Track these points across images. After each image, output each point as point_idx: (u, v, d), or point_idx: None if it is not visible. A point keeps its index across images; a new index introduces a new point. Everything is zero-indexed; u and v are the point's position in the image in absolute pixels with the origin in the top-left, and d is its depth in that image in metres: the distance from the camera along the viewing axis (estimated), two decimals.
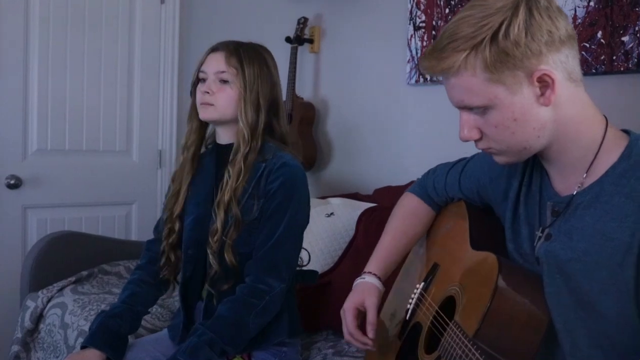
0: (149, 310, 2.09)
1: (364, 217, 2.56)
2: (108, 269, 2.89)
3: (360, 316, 1.67)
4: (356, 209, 2.68)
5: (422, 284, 1.68)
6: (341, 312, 1.68)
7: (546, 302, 1.34)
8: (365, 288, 1.68)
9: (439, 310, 1.52)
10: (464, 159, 1.75)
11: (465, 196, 1.69)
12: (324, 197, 2.98)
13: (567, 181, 1.33)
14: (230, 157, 1.93)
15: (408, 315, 1.68)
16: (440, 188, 1.76)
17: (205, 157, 2.07)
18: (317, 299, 2.43)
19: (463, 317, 1.39)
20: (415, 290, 1.70)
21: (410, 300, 1.69)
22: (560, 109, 1.27)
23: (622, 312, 1.24)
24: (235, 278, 1.93)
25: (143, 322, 2.25)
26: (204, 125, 2.06)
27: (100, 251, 3.07)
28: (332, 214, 2.74)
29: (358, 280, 1.71)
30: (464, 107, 1.30)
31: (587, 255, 1.26)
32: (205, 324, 1.85)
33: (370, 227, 2.49)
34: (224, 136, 2.02)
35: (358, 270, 2.31)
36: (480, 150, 1.66)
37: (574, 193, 1.31)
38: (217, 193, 1.96)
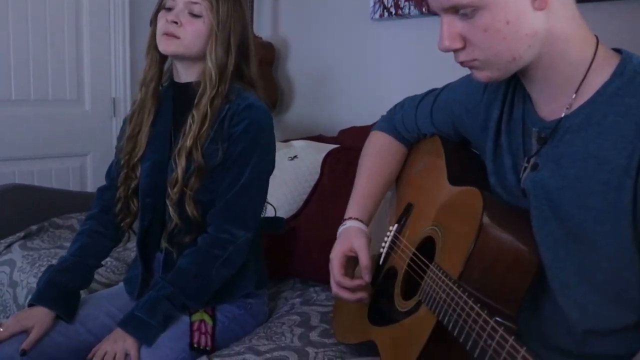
0: (103, 263, 1.95)
1: (329, 158, 2.44)
2: (60, 223, 2.72)
3: (350, 264, 1.55)
4: (321, 151, 2.57)
5: (395, 226, 1.56)
6: (329, 264, 1.56)
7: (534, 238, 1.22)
8: (350, 233, 1.56)
9: (417, 253, 1.40)
10: (434, 90, 1.62)
11: (439, 130, 1.57)
12: (286, 141, 2.86)
13: (553, 104, 1.22)
14: (196, 101, 1.79)
15: (381, 261, 1.56)
16: (410, 123, 1.63)
17: (161, 97, 1.91)
18: (282, 246, 2.33)
19: (444, 259, 1.28)
20: (388, 233, 1.58)
21: (382, 245, 1.57)
22: (554, 17, 1.15)
23: (618, 242, 1.14)
24: (197, 231, 1.81)
25: (97, 276, 2.13)
26: (163, 59, 1.89)
27: (52, 204, 2.89)
28: (295, 157, 2.63)
29: (340, 229, 1.60)
30: (450, 8, 1.17)
31: (579, 182, 1.16)
32: (165, 277, 1.74)
33: (336, 169, 2.38)
34: (185, 74, 1.86)
35: (325, 213, 2.28)
36: (451, 81, 1.56)
37: (562, 116, 1.19)
38: (175, 137, 1.82)
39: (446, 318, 1.17)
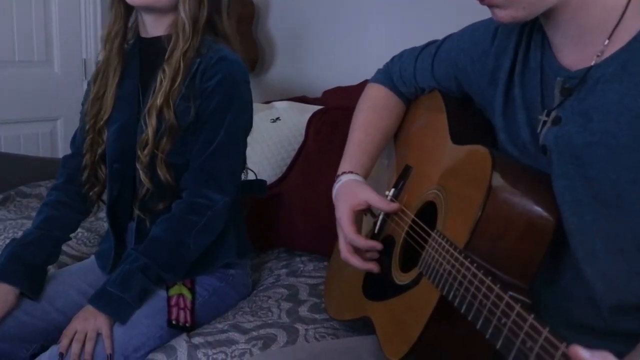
0: (71, 235, 1.81)
1: (314, 119, 2.32)
2: (27, 191, 2.55)
3: (358, 222, 1.41)
4: (304, 113, 2.46)
5: (392, 190, 1.43)
6: (337, 223, 1.40)
7: (553, 201, 1.09)
8: (350, 187, 1.41)
9: (416, 220, 1.27)
10: (435, 41, 1.48)
11: (439, 84, 1.43)
12: (267, 102, 2.74)
13: (580, 52, 1.08)
14: (167, 55, 1.64)
15: (377, 229, 1.42)
16: (409, 76, 1.49)
17: (126, 54, 1.76)
18: (265, 214, 2.20)
19: (448, 226, 1.15)
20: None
21: (377, 212, 1.43)
22: None
23: None
24: (172, 196, 1.67)
25: (67, 249, 2.01)
26: (128, 12, 1.74)
27: (19, 172, 2.72)
28: (277, 119, 2.51)
29: (336, 186, 1.45)
30: None
31: (612, 138, 1.02)
32: (138, 249, 1.61)
33: (321, 131, 2.25)
34: (153, 28, 1.71)
35: (310, 178, 2.16)
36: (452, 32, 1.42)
37: (591, 65, 1.06)
38: (144, 97, 1.68)
39: (451, 293, 1.04)
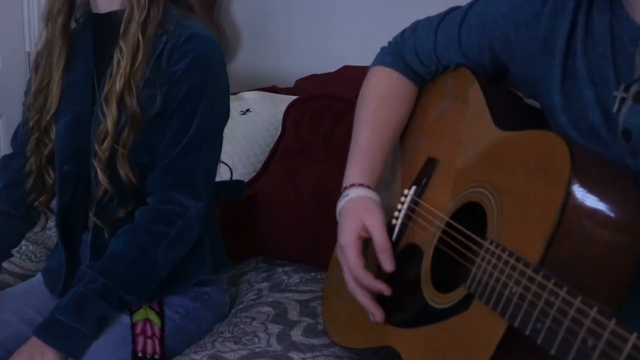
0: (13, 252, 1.55)
1: (292, 110, 2.07)
2: None
3: (366, 250, 1.17)
4: (277, 103, 2.23)
5: (413, 188, 1.17)
6: (336, 252, 1.19)
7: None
8: (358, 206, 1.17)
9: (456, 225, 1.01)
10: (457, 7, 1.23)
11: (468, 58, 1.18)
12: (235, 93, 2.47)
13: None
14: (122, 28, 1.39)
15: (394, 236, 1.16)
16: (427, 52, 1.24)
17: (76, 34, 1.50)
18: (240, 217, 1.94)
19: (507, 234, 0.90)
20: (402, 199, 1.18)
21: (396, 214, 1.17)
22: None
23: None
24: (135, 201, 1.42)
25: (8, 266, 1.75)
26: None
27: None
28: (248, 110, 2.28)
29: (342, 202, 1.20)
30: None
31: None
32: (94, 267, 1.35)
33: (302, 123, 2.00)
34: (105, 1, 1.45)
35: (291, 177, 1.91)
36: None
37: None
38: (100, 82, 1.43)
39: (528, 322, 0.79)
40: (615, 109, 0.92)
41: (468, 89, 1.16)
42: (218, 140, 1.49)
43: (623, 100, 0.91)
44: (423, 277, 1.05)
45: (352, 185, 1.19)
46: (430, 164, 1.17)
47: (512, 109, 1.11)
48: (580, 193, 0.82)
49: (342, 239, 1.15)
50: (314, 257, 1.76)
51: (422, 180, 1.16)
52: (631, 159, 0.91)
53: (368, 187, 1.18)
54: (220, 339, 1.40)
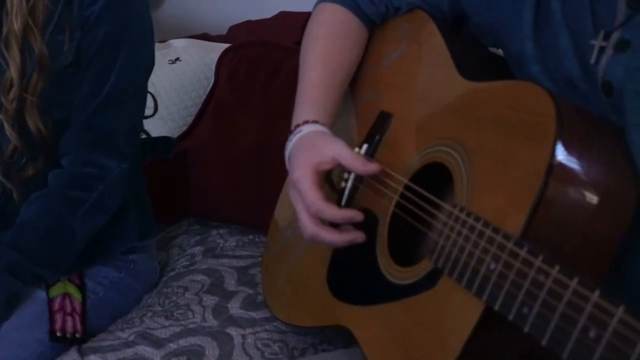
0: None
1: (225, 59, 1.92)
2: None
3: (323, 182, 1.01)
4: (209, 51, 2.09)
5: (365, 146, 1.03)
6: (288, 190, 1.01)
7: (631, 164, 0.76)
8: (312, 141, 1.01)
9: (417, 188, 0.89)
10: None
11: (425, 1, 1.04)
12: (163, 41, 2.31)
13: None
14: None
15: (344, 200, 1.03)
16: None
17: None
18: (168, 175, 1.80)
19: (479, 200, 0.78)
20: None
21: (345, 175, 1.04)
22: None
23: None
24: (46, 158, 1.26)
25: None
26: None
27: None
28: (177, 59, 2.12)
29: (294, 139, 1.03)
30: None
31: None
32: (2, 239, 1.21)
33: (237, 73, 1.85)
34: None
35: (225, 131, 1.79)
36: None
37: None
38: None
39: (511, 305, 0.68)
40: (593, 60, 0.81)
41: (425, 34, 1.02)
42: (142, 93, 1.35)
43: (602, 49, 0.80)
44: (379, 248, 0.93)
45: (305, 122, 1.03)
46: (384, 118, 1.03)
47: (476, 57, 0.99)
48: (568, 154, 0.71)
49: (294, 174, 0.98)
50: (252, 218, 1.63)
51: (374, 138, 1.03)
52: (615, 115, 0.80)
53: (323, 124, 1.03)
54: (149, 313, 1.28)
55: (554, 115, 0.72)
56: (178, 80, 2.05)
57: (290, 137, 1.03)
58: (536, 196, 0.69)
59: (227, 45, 2.02)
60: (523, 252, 0.67)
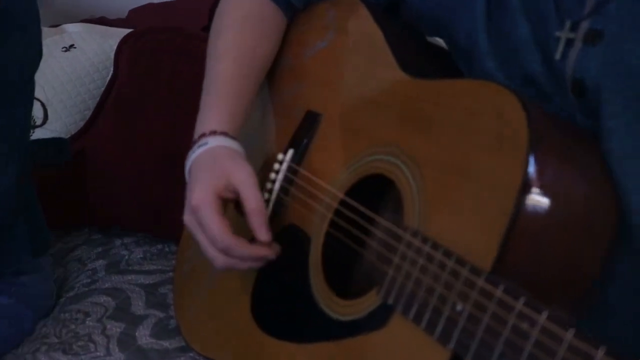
0: None
1: (126, 46, 1.78)
2: None
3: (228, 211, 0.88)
4: (107, 38, 1.97)
5: (290, 152, 0.89)
6: (185, 218, 0.86)
7: (608, 175, 0.66)
8: (219, 158, 0.87)
9: (357, 206, 0.76)
10: None
11: None
12: (55, 26, 2.18)
13: None
14: None
15: (269, 212, 0.89)
16: None
17: None
18: (65, 180, 1.66)
19: (438, 224, 0.66)
20: (276, 165, 0.91)
21: (268, 185, 0.90)
22: None
23: None
24: None
25: None
26: None
27: None
28: (72, 46, 2.01)
29: (197, 152, 0.89)
30: None
31: None
32: None
33: (139, 62, 1.72)
34: None
35: (127, 127, 1.67)
36: None
37: None
38: None
39: (489, 357, 0.56)
40: (558, 55, 0.71)
41: (356, 21, 0.89)
42: (27, 88, 1.20)
43: (570, 42, 0.70)
44: (313, 274, 0.79)
45: (212, 132, 0.89)
46: (311, 119, 0.90)
47: (416, 49, 0.87)
48: (543, 168, 0.60)
49: (193, 198, 0.85)
50: (160, 225, 1.51)
51: (301, 142, 0.89)
52: (585, 119, 0.69)
53: (231, 137, 0.90)
54: (44, 347, 1.12)
55: (525, 120, 0.60)
56: (73, 71, 1.93)
57: (194, 148, 0.88)
58: (509, 219, 0.58)
59: (127, 31, 1.90)
60: (499, 292, 0.56)
